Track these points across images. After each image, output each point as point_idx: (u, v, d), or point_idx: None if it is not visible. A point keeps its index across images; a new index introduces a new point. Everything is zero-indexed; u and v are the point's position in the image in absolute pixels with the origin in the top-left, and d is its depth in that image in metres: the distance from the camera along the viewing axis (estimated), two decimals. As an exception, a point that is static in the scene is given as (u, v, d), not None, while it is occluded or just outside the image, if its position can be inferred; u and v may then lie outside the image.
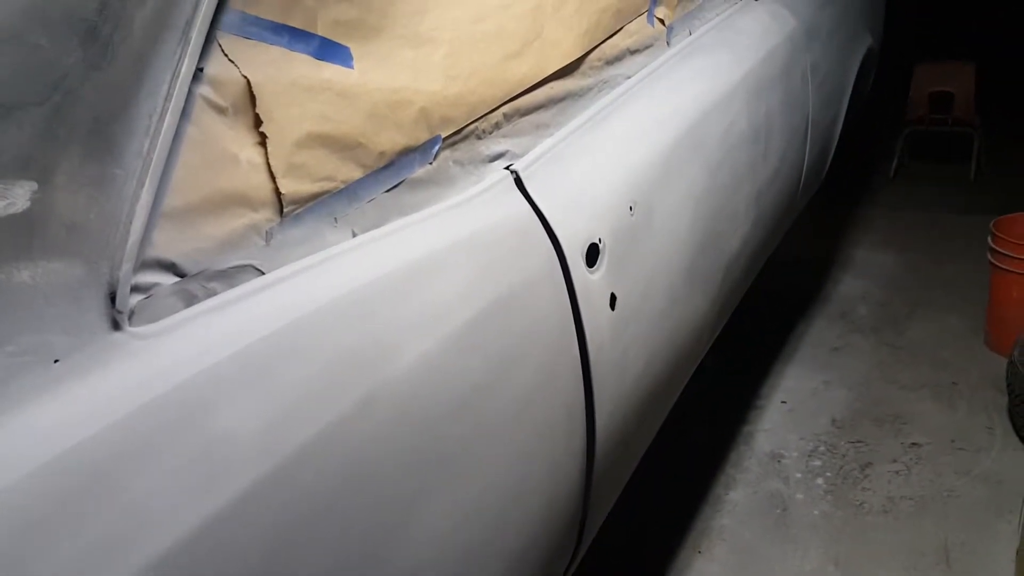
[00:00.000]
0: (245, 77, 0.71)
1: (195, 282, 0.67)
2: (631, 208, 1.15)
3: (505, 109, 1.05)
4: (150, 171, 0.61)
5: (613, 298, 1.09)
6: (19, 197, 0.54)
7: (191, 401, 0.59)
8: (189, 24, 0.65)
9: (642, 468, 1.43)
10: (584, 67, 1.23)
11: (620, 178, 1.16)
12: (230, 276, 0.70)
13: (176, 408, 0.58)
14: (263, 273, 0.72)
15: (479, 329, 0.86)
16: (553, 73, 1.14)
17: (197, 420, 0.59)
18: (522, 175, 1.02)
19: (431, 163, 0.93)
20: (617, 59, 1.33)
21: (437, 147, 0.93)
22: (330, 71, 0.80)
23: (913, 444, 2.27)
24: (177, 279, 0.66)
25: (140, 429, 0.56)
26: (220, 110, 0.69)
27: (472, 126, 0.99)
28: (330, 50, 0.80)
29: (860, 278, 3.17)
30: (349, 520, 0.70)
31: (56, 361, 0.55)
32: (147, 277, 0.63)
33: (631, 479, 1.38)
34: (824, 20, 2.21)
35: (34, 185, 0.55)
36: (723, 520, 2.06)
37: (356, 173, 0.83)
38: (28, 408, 0.53)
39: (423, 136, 0.91)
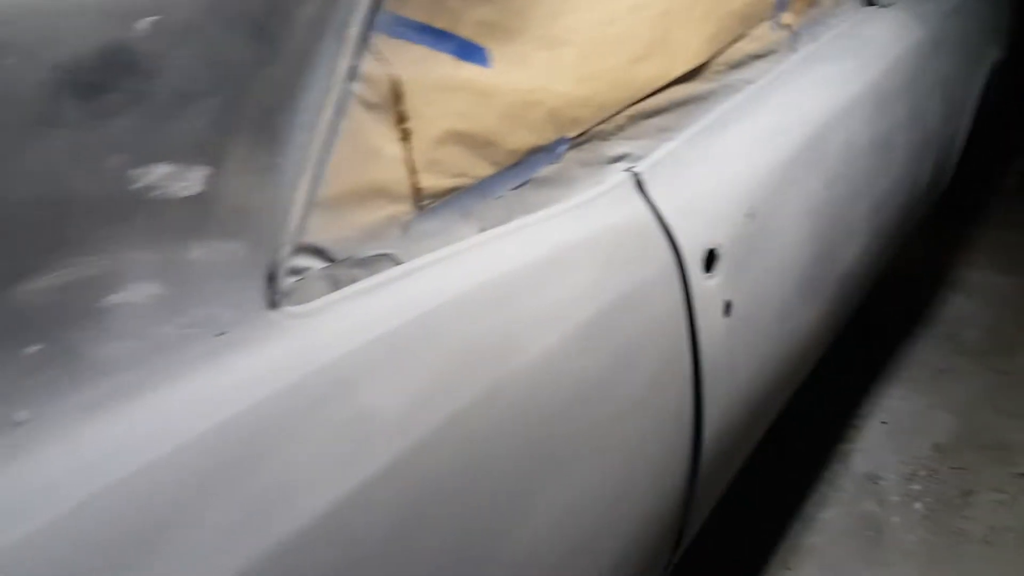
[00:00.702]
0: (394, 75, 0.74)
1: (341, 268, 0.70)
2: (750, 215, 1.14)
3: (629, 111, 1.06)
4: (309, 162, 0.65)
5: (728, 305, 1.08)
6: (194, 180, 0.59)
7: (338, 379, 0.63)
8: (346, 24, 0.68)
9: (736, 479, 1.42)
10: (708, 71, 1.23)
11: (739, 184, 1.15)
12: (370, 264, 0.73)
13: (325, 384, 0.62)
14: (400, 263, 0.75)
15: (597, 328, 0.88)
16: (677, 77, 1.14)
17: (343, 397, 0.63)
18: (643, 177, 1.03)
19: (557, 163, 0.94)
20: (741, 64, 1.31)
21: (564, 147, 0.95)
22: (469, 71, 0.83)
23: (1019, 475, 2.17)
24: (326, 264, 0.69)
25: (294, 402, 0.60)
26: (370, 106, 0.72)
27: (597, 127, 1.00)
28: (470, 50, 0.83)
29: (971, 300, 3.04)
30: (469, 505, 0.73)
31: (221, 334, 0.60)
32: (300, 261, 0.67)
33: (727, 489, 1.37)
34: (951, 30, 2.13)
35: (208, 170, 0.59)
36: (814, 538, 2.02)
37: (488, 170, 0.85)
38: (195, 376, 0.57)
39: (551, 136, 0.93)
